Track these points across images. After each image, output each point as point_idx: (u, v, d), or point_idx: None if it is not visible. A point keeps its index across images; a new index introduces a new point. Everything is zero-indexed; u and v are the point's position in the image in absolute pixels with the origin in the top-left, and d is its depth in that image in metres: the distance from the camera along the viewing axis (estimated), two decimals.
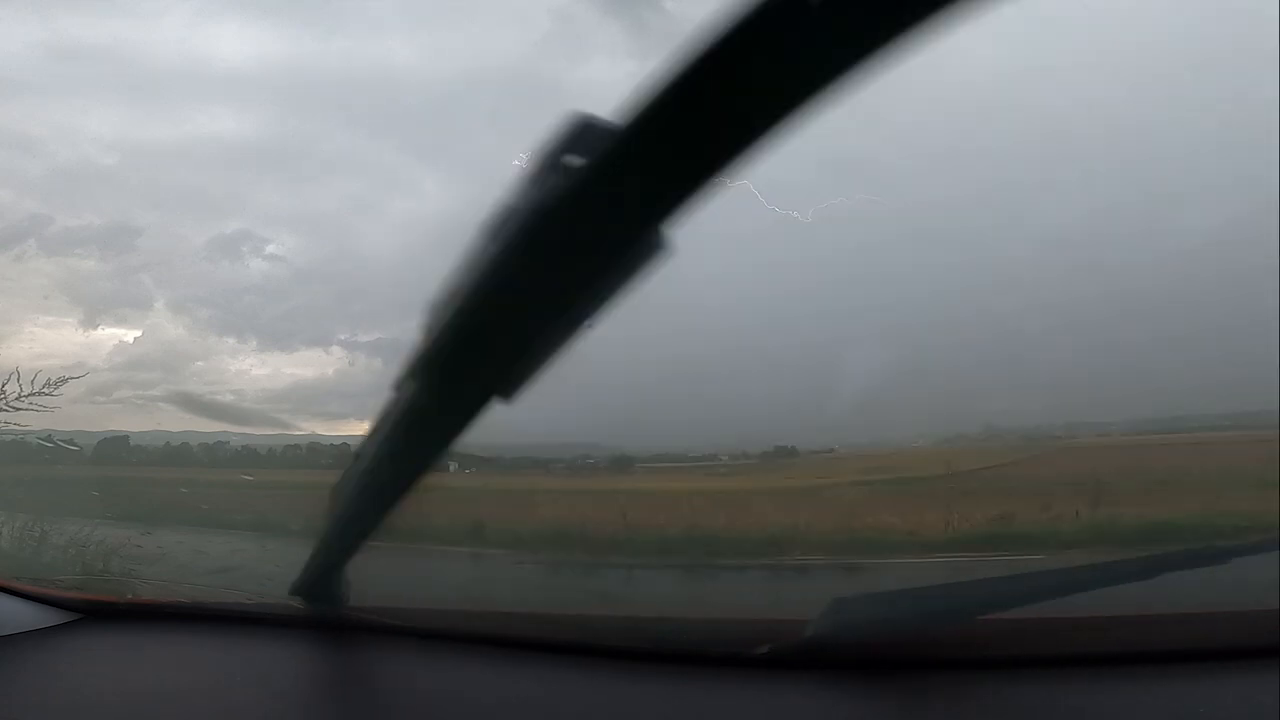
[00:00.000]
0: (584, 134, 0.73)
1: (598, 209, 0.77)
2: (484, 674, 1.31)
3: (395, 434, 1.10)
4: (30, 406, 3.35)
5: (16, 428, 3.42)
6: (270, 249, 9.67)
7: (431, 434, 1.09)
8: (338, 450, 8.06)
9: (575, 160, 0.73)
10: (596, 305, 0.86)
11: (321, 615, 1.48)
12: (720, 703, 1.18)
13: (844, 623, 1.20)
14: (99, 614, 1.62)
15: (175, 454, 7.14)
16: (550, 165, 0.75)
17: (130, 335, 9.03)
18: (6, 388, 3.34)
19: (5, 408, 3.34)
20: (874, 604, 1.32)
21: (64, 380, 3.46)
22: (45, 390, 3.38)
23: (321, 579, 1.43)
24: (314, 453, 7.83)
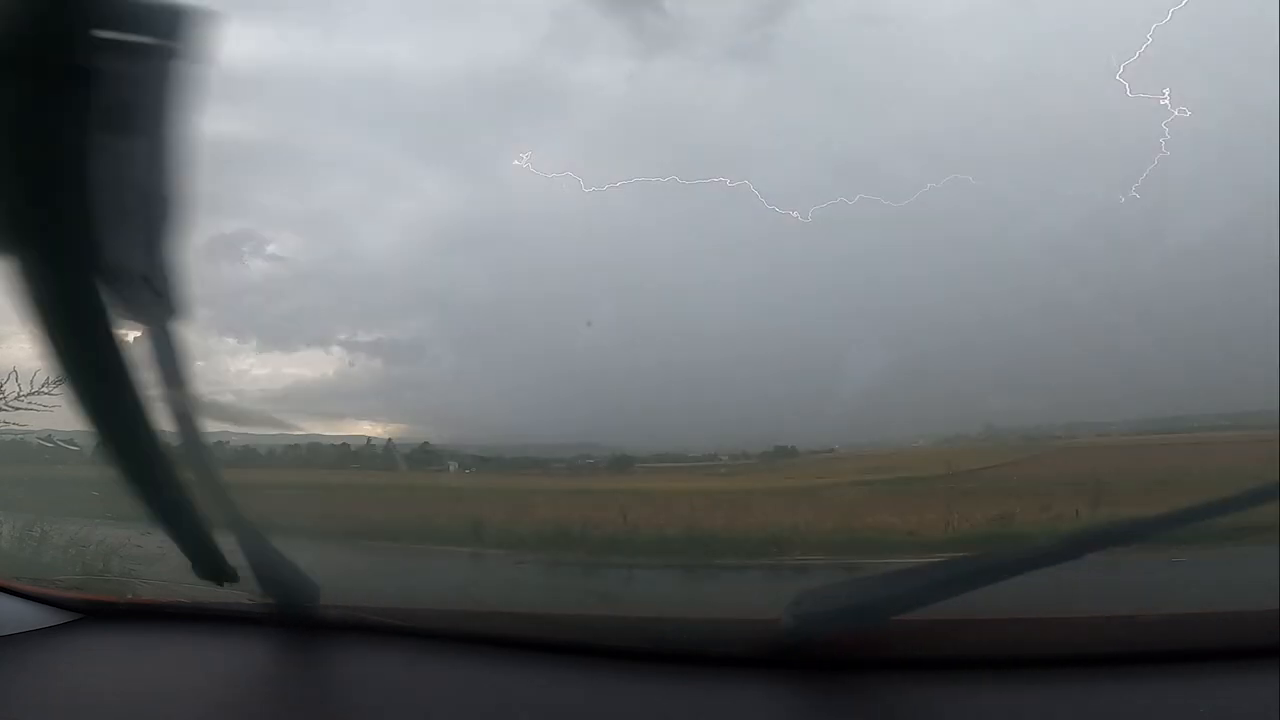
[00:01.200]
0: None
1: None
2: (484, 674, 1.31)
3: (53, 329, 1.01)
4: (30, 406, 3.34)
5: (16, 428, 3.41)
6: (270, 249, 9.67)
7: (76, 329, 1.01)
8: (338, 450, 8.07)
9: None
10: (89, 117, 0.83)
11: (322, 616, 1.48)
12: (720, 702, 1.18)
13: (817, 616, 1.20)
14: (99, 614, 1.62)
15: (175, 454, 7.12)
16: None
17: (130, 335, 9.00)
18: (5, 387, 3.33)
19: (4, 407, 3.34)
20: (844, 593, 1.30)
21: (64, 379, 3.45)
22: (45, 390, 3.37)
23: (208, 557, 1.37)
24: (314, 453, 7.83)
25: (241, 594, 1.60)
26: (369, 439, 8.38)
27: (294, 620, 1.51)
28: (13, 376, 3.33)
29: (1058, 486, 5.88)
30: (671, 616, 1.75)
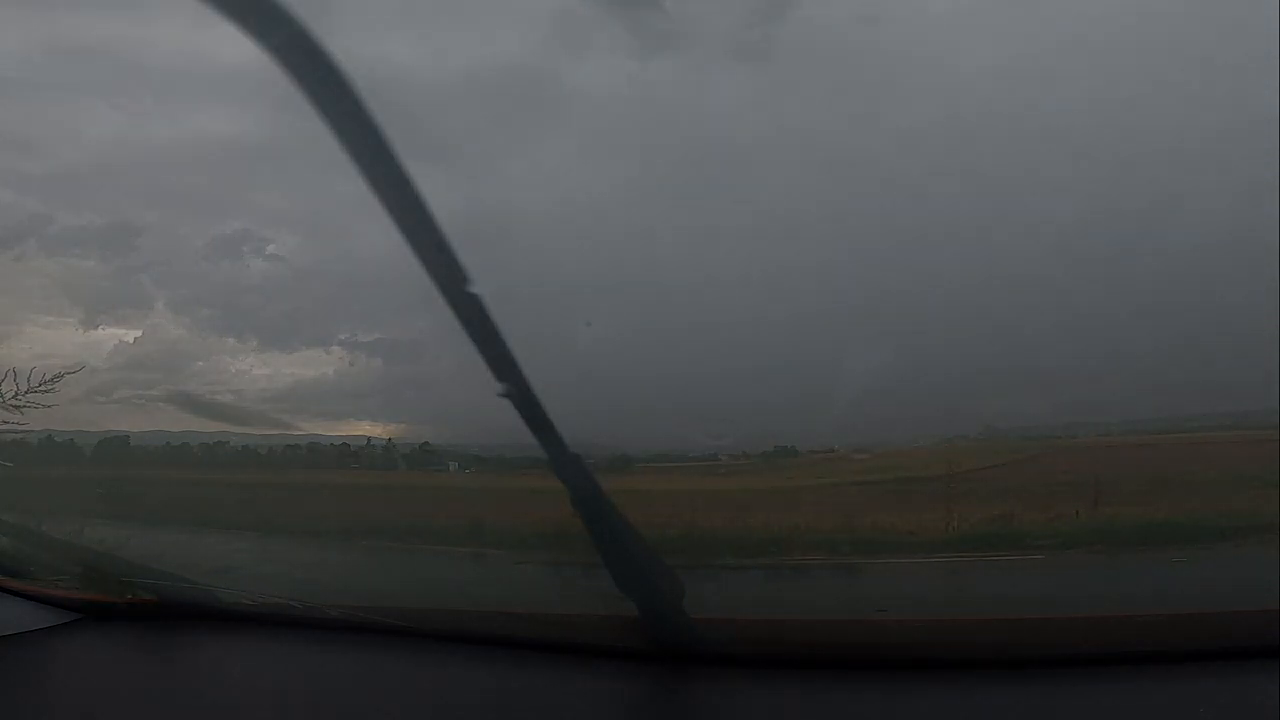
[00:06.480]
0: None
1: None
2: (484, 674, 1.31)
3: None
4: (29, 404, 3.34)
5: (16, 427, 3.41)
6: (270, 249, 9.67)
7: None
8: (338, 450, 8.08)
9: None
10: None
11: (321, 615, 1.48)
12: (719, 701, 1.18)
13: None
14: (99, 614, 1.62)
15: (175, 454, 7.14)
16: None
17: (130, 335, 9.03)
18: (3, 387, 3.33)
19: (4, 407, 3.34)
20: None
21: (61, 376, 3.45)
22: (42, 388, 3.37)
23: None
24: (314, 453, 7.83)
25: (240, 594, 1.60)
26: (369, 439, 8.38)
27: (293, 620, 1.51)
28: (9, 375, 3.33)
29: (1058, 486, 5.88)
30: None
